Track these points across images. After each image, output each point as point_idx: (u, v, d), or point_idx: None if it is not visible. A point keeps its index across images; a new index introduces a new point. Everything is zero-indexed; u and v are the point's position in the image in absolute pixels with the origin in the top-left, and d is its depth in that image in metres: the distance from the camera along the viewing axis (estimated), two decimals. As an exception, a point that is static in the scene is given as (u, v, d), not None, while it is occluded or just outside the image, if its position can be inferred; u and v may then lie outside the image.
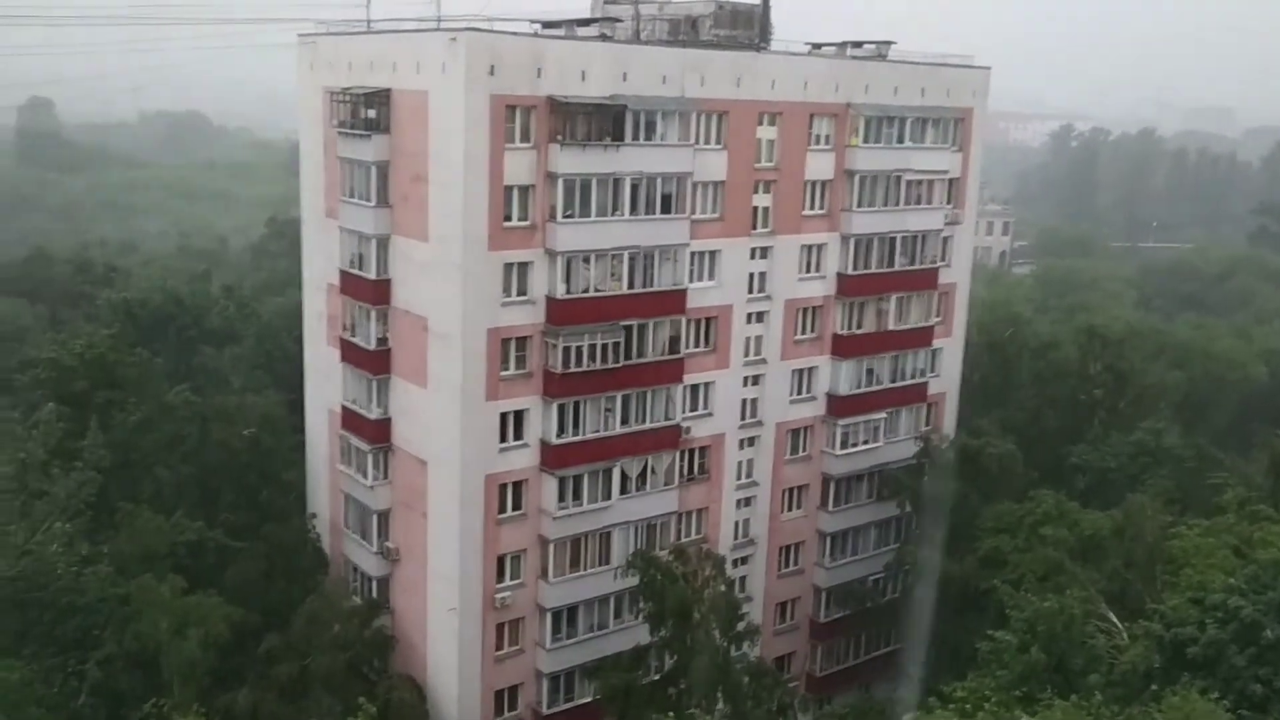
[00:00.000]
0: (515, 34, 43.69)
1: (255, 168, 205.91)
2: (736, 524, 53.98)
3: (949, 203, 57.34)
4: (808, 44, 54.71)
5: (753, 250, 51.25)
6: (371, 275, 47.24)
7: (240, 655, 44.96)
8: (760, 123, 50.08)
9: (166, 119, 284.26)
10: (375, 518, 49.32)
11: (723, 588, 44.16)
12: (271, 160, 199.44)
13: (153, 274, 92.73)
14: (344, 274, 49.41)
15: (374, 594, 49.71)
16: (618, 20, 49.23)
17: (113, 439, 50.76)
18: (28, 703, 37.50)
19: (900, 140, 54.46)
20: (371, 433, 48.72)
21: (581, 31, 47.16)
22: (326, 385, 52.46)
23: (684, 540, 49.52)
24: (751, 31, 51.02)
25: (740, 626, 44.29)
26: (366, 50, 47.45)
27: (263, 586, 48.61)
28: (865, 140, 53.12)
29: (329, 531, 53.29)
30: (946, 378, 60.15)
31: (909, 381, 57.96)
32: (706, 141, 48.25)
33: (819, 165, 52.57)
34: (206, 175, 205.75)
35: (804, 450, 55.68)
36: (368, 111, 46.27)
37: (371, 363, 48.18)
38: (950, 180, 57.07)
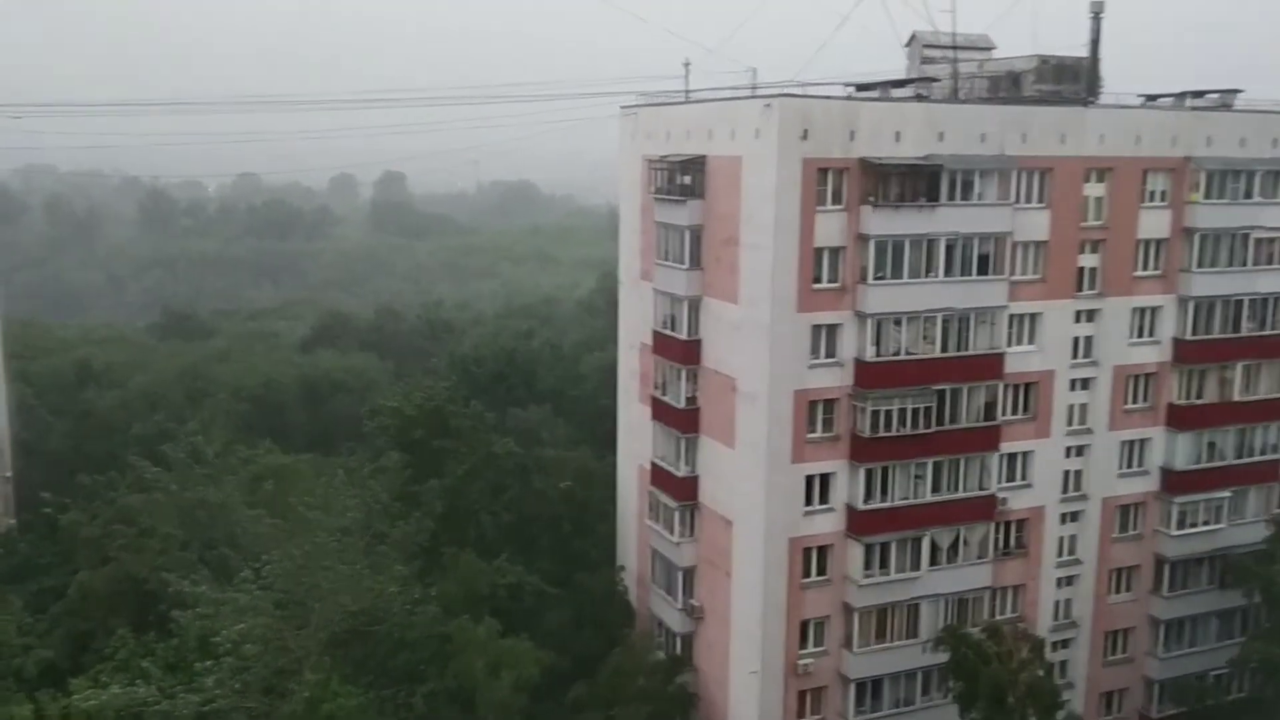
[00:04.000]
0: (828, 98, 43.81)
1: (577, 232, 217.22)
2: (1057, 604, 50.61)
3: (1306, 262, 51.88)
4: (1141, 96, 51.52)
5: (1077, 313, 48.42)
6: (683, 335, 48.40)
7: (549, 700, 46.59)
8: (1087, 179, 47.47)
9: (500, 188, 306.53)
10: (680, 574, 50.01)
11: (1041, 672, 41.45)
12: (592, 225, 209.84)
13: (483, 331, 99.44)
14: (656, 334, 50.91)
15: (678, 650, 50.27)
16: (934, 80, 48.37)
17: (444, 486, 54.39)
18: (363, 728, 40.46)
19: (1248, 195, 49.94)
20: (679, 490, 49.58)
21: (896, 93, 46.64)
22: (638, 441, 53.99)
23: (998, 618, 46.97)
24: (1078, 85, 48.67)
25: (1060, 716, 41.35)
26: (683, 119, 49.06)
27: (572, 634, 50.30)
28: (1207, 196, 49.14)
29: (636, 584, 54.52)
30: (1304, 455, 54.11)
31: (1258, 458, 52.56)
32: (1028, 200, 46.27)
33: (1153, 223, 49.09)
34: (533, 240, 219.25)
35: (1134, 528, 51.60)
36: (683, 178, 47.76)
37: (681, 421, 49.18)
38: (1308, 237, 51.71)
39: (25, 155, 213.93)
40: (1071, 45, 48.82)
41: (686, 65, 50.13)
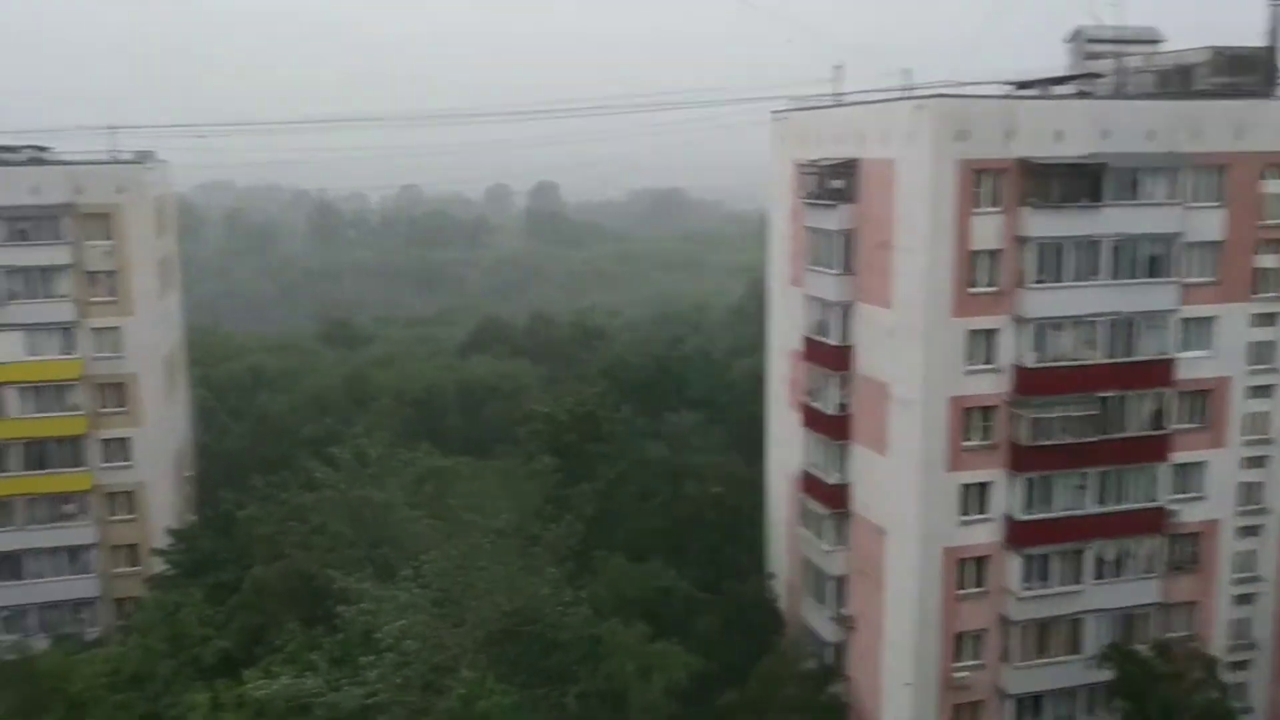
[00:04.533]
0: (985, 97, 42.77)
1: (727, 238, 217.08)
2: (1233, 623, 48.04)
3: None
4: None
5: (1256, 317, 45.94)
6: (834, 341, 47.90)
7: (698, 706, 46.66)
8: (1265, 176, 45.02)
9: (650, 195, 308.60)
10: (831, 583, 49.46)
11: (1215, 694, 39.48)
12: (742, 231, 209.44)
13: (634, 338, 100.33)
14: (807, 340, 50.51)
15: (829, 659, 49.70)
16: (1097, 76, 46.65)
17: (595, 489, 55.13)
18: (517, 725, 41.36)
19: None
20: (830, 498, 49.06)
21: (1057, 90, 45.17)
22: (788, 448, 53.65)
23: (1168, 636, 44.90)
24: (1255, 77, 46.20)
25: (1236, 741, 39.28)
26: (834, 123, 48.60)
27: (722, 640, 50.26)
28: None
29: (786, 592, 54.16)
30: None
31: None
32: (1199, 199, 44.16)
33: (1340, 221, 46.26)
34: (683, 246, 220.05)
35: (1319, 545, 48.62)
36: (834, 182, 47.30)
37: (832, 428, 48.66)
38: None
39: (207, 172, 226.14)
40: (1240, 37, 46.42)
41: (837, 68, 49.68)
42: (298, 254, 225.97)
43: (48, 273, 58.68)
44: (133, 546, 61.47)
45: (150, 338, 61.14)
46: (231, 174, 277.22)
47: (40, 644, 53.03)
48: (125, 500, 61.51)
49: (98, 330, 59.82)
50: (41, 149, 61.87)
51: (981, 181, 41.69)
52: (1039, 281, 42.27)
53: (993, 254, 42.28)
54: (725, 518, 57.31)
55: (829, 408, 48.79)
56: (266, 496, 55.16)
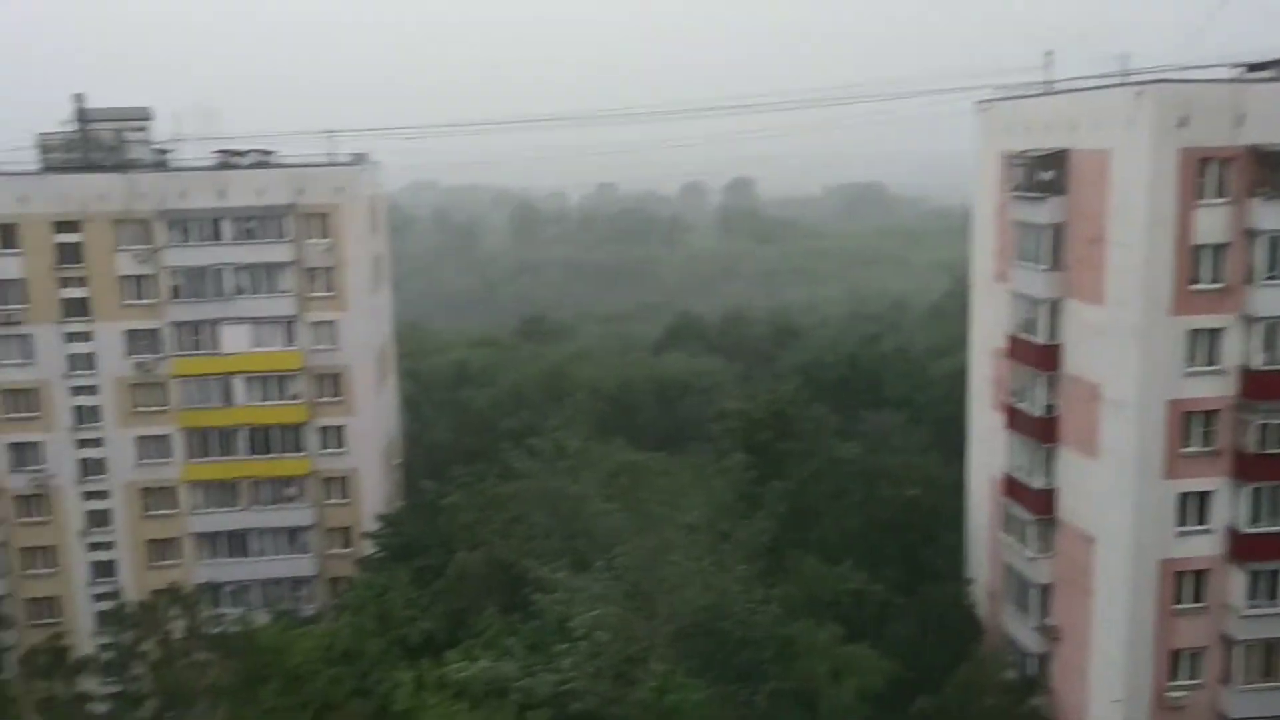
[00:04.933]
0: (1211, 81, 40.11)
1: (928, 234, 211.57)
2: None
3: None
4: None
5: None
6: (1041, 340, 45.94)
7: (892, 711, 45.65)
8: None
9: (848, 190, 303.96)
10: (1035, 591, 47.49)
11: None
12: (945, 226, 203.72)
13: (829, 335, 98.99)
14: (1013, 338, 48.62)
15: (1031, 670, 47.75)
16: (1341, 54, 43.02)
17: (787, 488, 54.63)
18: (708, 720, 41.47)
19: None
20: (1034, 503, 47.11)
21: (1294, 71, 41.96)
22: (990, 450, 51.82)
23: None
24: None
25: None
26: (1044, 112, 46.56)
27: (917, 646, 49.00)
28: None
29: (986, 599, 52.33)
30: None
31: None
32: None
33: None
34: (881, 242, 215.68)
35: None
36: (1043, 173, 45.30)
37: (1038, 430, 46.70)
38: None
39: (415, 173, 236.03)
40: None
41: (1047, 55, 47.59)
42: (500, 252, 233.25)
43: (272, 269, 62.45)
44: (346, 529, 64.83)
45: (363, 332, 64.26)
46: (437, 175, 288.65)
47: (262, 618, 56.45)
48: (340, 485, 64.90)
49: (316, 324, 63.28)
50: (267, 153, 65.85)
51: (1206, 171, 39.16)
52: (1271, 278, 39.37)
53: (1217, 248, 39.65)
54: (922, 520, 55.82)
55: (1035, 409, 46.83)
56: (468, 485, 57.07)
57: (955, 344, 72.59)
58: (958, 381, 60.93)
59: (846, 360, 77.94)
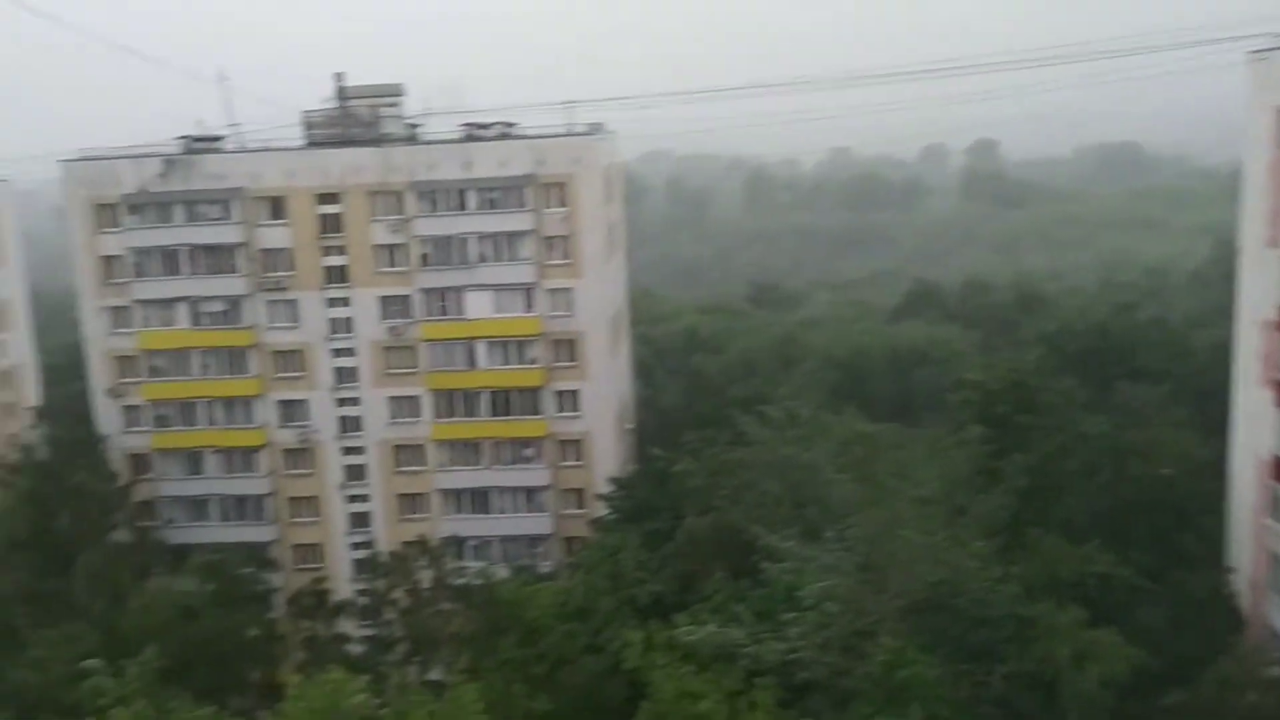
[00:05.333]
0: None
1: (1191, 195, 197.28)
2: None
3: None
4: None
5: None
6: (1320, 311, 42.01)
7: (1139, 701, 43.17)
8: None
9: (1101, 151, 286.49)
10: (1307, 583, 43.79)
11: None
12: (1209, 188, 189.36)
13: (1077, 304, 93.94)
14: (1285, 309, 44.71)
15: (1300, 668, 44.08)
16: None
17: (1028, 463, 52.34)
18: (938, 699, 40.39)
19: None
20: (1308, 487, 43.34)
21: None
22: (1257, 430, 47.93)
23: None
24: None
25: None
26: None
27: (1167, 635, 46.08)
28: None
29: (1248, 589, 48.62)
30: None
31: None
32: None
33: None
34: (1137, 205, 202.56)
35: None
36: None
37: (1313, 409, 42.86)
38: None
39: (649, 142, 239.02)
40: None
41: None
42: (732, 220, 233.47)
43: (512, 238, 64.78)
44: (579, 491, 66.88)
45: (598, 298, 65.79)
46: (672, 144, 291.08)
47: (501, 572, 59.00)
48: (574, 448, 66.95)
49: (553, 291, 65.29)
50: (509, 125, 68.16)
51: None
52: None
53: None
54: (1176, 501, 52.35)
55: (1310, 386, 42.97)
56: (698, 451, 57.61)
57: (1218, 314, 67.53)
58: (1220, 355, 56.58)
59: (1096, 330, 73.65)
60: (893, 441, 52.24)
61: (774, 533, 46.47)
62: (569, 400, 66.49)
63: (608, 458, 66.67)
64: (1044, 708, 41.78)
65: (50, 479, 63.82)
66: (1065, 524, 51.12)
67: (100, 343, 67.97)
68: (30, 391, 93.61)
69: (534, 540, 67.19)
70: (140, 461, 68.30)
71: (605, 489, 62.38)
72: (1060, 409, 56.10)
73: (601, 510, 61.66)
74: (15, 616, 53.54)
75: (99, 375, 68.29)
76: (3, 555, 62.56)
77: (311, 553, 68.88)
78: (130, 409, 68.16)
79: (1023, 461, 51.65)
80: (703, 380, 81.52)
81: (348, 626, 58.37)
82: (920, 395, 74.04)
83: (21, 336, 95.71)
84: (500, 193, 64.61)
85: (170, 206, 65.79)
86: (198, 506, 68.70)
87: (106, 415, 68.10)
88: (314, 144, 67.40)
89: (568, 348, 65.98)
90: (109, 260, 66.92)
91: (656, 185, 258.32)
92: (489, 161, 64.42)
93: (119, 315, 67.33)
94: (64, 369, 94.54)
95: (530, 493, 67.18)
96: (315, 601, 57.95)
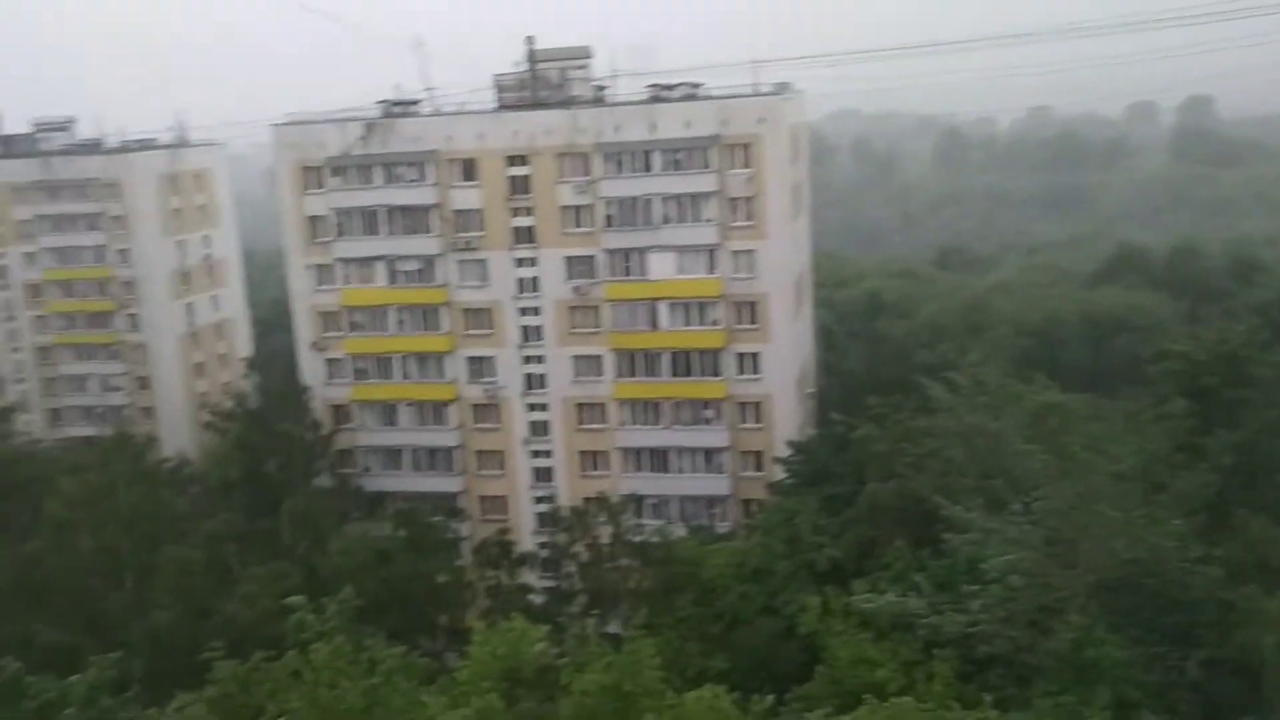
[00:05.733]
0: None
1: None
2: None
3: None
4: None
5: None
6: None
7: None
8: None
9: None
10: None
11: None
12: None
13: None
14: None
15: None
16: None
17: (1235, 440, 49.39)
18: (1128, 682, 38.81)
19: None
20: None
21: None
22: None
23: None
24: None
25: None
26: None
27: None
28: None
29: None
30: None
31: None
32: None
33: None
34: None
35: None
36: None
37: None
38: None
39: (836, 101, 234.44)
40: None
41: None
42: (921, 181, 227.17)
43: (696, 199, 64.79)
44: (758, 453, 66.76)
45: (781, 261, 65.20)
46: (859, 103, 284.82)
47: (679, 531, 59.67)
48: (753, 410, 66.82)
49: (735, 252, 65.05)
50: (695, 85, 67.98)
51: None
52: None
53: None
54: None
55: None
56: (881, 417, 56.67)
57: None
58: None
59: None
60: (1087, 413, 50.13)
61: (957, 503, 45.40)
62: (750, 363, 66.31)
63: (787, 421, 66.28)
64: (1245, 698, 39.62)
65: (260, 426, 68.03)
66: (1275, 505, 48.09)
67: (305, 299, 71.64)
68: (241, 343, 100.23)
69: (712, 501, 67.56)
70: (340, 412, 71.86)
71: (784, 453, 62.10)
72: (1273, 384, 52.63)
73: (780, 474, 61.47)
74: (228, 554, 57.49)
75: (304, 329, 72.05)
76: (217, 496, 67.32)
77: (496, 505, 71.20)
78: (332, 362, 71.71)
79: (1229, 438, 48.85)
80: (887, 345, 80.00)
81: (530, 577, 60.23)
82: (1118, 365, 70.68)
83: (235, 292, 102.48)
84: (685, 153, 64.66)
85: (370, 169, 68.58)
86: (392, 456, 71.90)
87: (310, 367, 71.85)
88: (504, 107, 68.89)
89: (750, 310, 65.71)
90: (314, 220, 70.31)
91: (843, 145, 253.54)
92: (674, 122, 64.50)
93: (323, 273, 70.77)
94: (271, 323, 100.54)
95: (709, 454, 67.50)
96: (499, 552, 59.94)
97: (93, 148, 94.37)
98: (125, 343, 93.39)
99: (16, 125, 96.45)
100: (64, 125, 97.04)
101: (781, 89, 66.37)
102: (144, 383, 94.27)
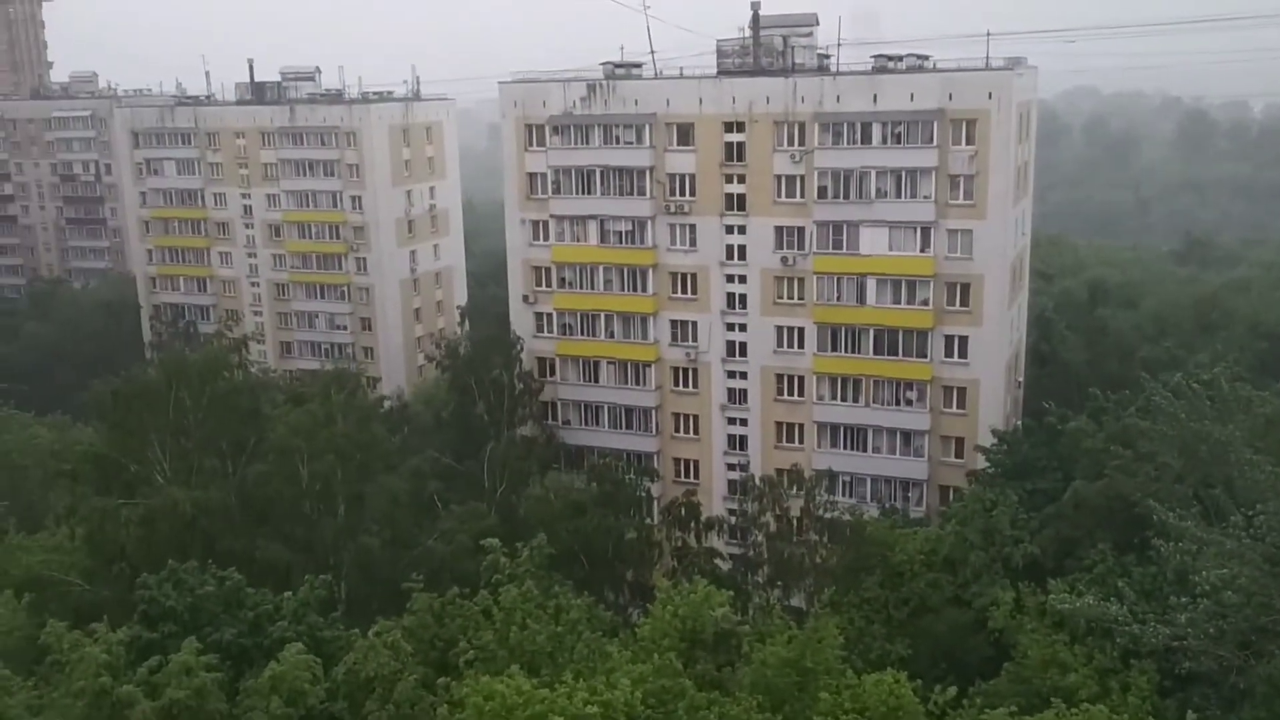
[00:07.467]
0: None
1: None
2: None
3: None
4: None
5: None
6: None
7: None
8: None
9: None
10: None
11: None
12: None
13: None
14: None
15: None
16: None
17: None
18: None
19: None
20: None
21: None
22: None
23: None
24: None
25: None
26: None
27: None
28: None
29: None
30: None
31: None
32: None
33: None
34: None
35: None
36: None
37: None
38: None
39: (1073, 78, 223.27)
40: None
41: None
42: (1160, 166, 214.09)
43: (914, 174, 63.06)
44: (959, 440, 64.88)
45: (999, 242, 62.83)
46: (1099, 80, 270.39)
47: (870, 511, 58.83)
48: (958, 395, 64.90)
49: (951, 231, 63.05)
50: (923, 57, 66.02)
51: None
52: None
53: None
54: None
55: None
56: (1096, 413, 54.13)
57: None
58: None
59: None
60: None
61: (1171, 510, 43.00)
62: (958, 346, 64.34)
63: (993, 409, 64.09)
64: None
65: (471, 371, 70.78)
66: None
67: (520, 253, 73.78)
68: (458, 292, 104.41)
69: (907, 484, 66.19)
70: (545, 365, 73.92)
71: (987, 441, 60.14)
72: None
73: (981, 462, 59.64)
74: (432, 491, 60.27)
75: (516, 282, 74.28)
76: (426, 434, 70.61)
77: (689, 468, 71.87)
78: (540, 316, 73.73)
79: None
80: (1108, 337, 76.08)
81: (717, 542, 60.64)
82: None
83: (455, 242, 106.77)
84: (905, 127, 62.95)
85: (590, 129, 69.75)
86: (591, 412, 73.50)
87: (520, 320, 74.09)
88: (724, 73, 68.73)
89: (962, 291, 63.68)
90: (532, 177, 72.18)
91: (1075, 124, 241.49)
92: (897, 95, 62.84)
93: (538, 228, 72.67)
94: (484, 275, 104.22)
95: (908, 435, 66.06)
96: (689, 514, 60.54)
97: (334, 98, 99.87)
98: (353, 284, 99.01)
99: (268, 73, 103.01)
100: (309, 75, 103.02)
101: (1014, 64, 63.65)
102: (366, 324, 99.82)
